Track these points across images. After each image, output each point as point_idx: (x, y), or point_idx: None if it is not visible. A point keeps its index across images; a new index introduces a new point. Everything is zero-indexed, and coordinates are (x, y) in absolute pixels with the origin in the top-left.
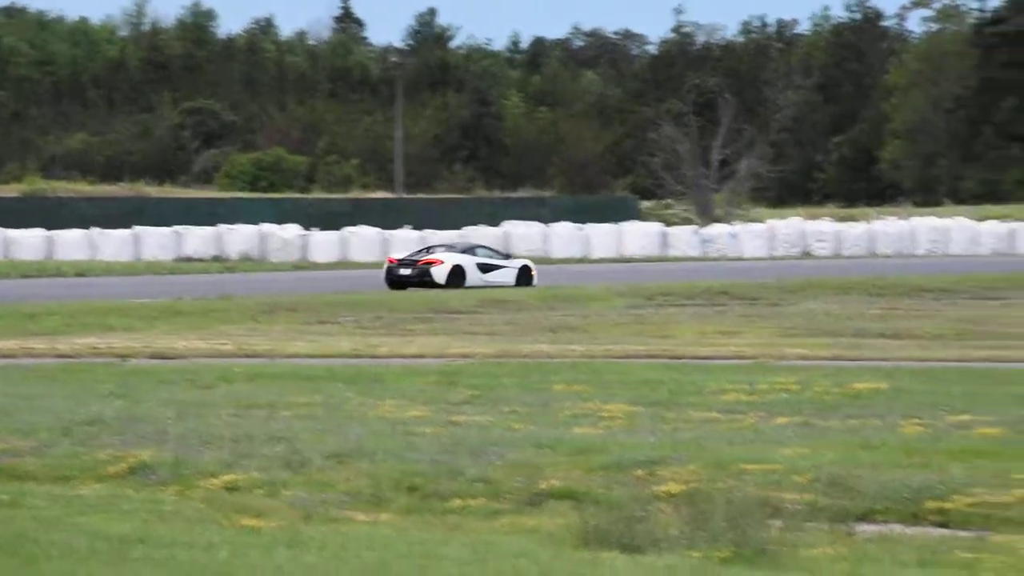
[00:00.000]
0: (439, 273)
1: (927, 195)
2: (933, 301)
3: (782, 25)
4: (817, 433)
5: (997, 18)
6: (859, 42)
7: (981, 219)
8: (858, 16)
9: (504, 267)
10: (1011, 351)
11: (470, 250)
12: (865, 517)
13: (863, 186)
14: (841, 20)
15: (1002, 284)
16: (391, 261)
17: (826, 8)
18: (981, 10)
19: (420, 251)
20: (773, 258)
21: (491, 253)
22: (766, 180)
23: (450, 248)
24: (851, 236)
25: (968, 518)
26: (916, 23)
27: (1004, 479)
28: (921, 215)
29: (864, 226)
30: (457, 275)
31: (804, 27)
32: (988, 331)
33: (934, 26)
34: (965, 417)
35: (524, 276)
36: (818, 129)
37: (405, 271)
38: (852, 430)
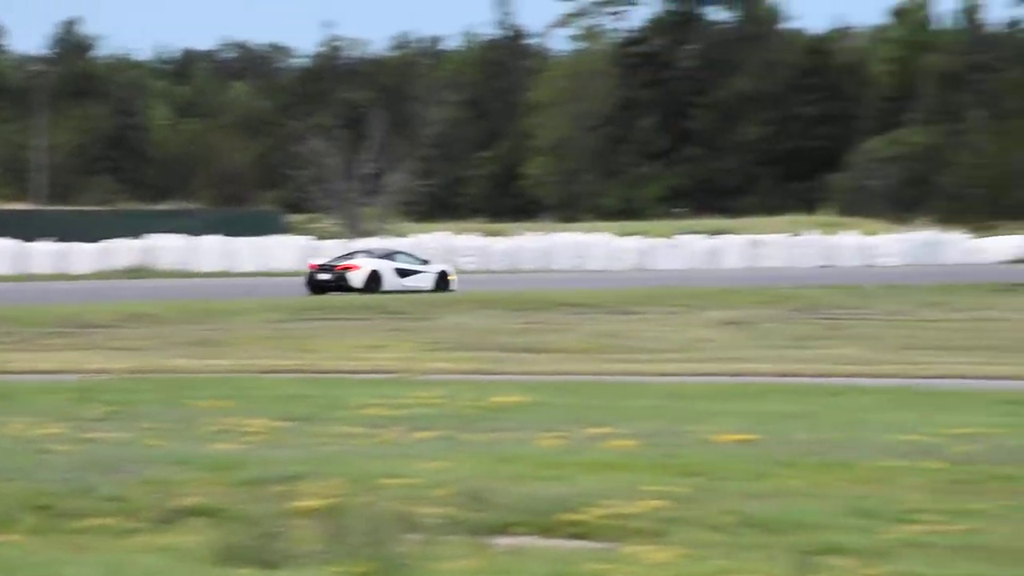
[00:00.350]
0: (356, 277)
1: (569, 211)
2: (574, 315)
3: (432, 41)
4: (458, 447)
5: (637, 39)
6: (505, 60)
7: (621, 235)
8: (505, 34)
9: (422, 272)
10: (647, 364)
11: (389, 255)
12: (502, 530)
13: (509, 201)
14: (489, 37)
15: (640, 299)
16: (311, 267)
17: (474, 26)
18: (622, 30)
19: (340, 256)
20: None
21: (410, 259)
22: (415, 195)
23: (369, 253)
24: (497, 251)
25: (600, 529)
26: (560, 42)
27: (635, 490)
28: (563, 231)
29: (509, 241)
30: (374, 280)
31: (453, 44)
32: (626, 345)
33: (577, 45)
34: (601, 430)
35: (442, 281)
36: (466, 145)
37: (324, 276)
38: (492, 443)
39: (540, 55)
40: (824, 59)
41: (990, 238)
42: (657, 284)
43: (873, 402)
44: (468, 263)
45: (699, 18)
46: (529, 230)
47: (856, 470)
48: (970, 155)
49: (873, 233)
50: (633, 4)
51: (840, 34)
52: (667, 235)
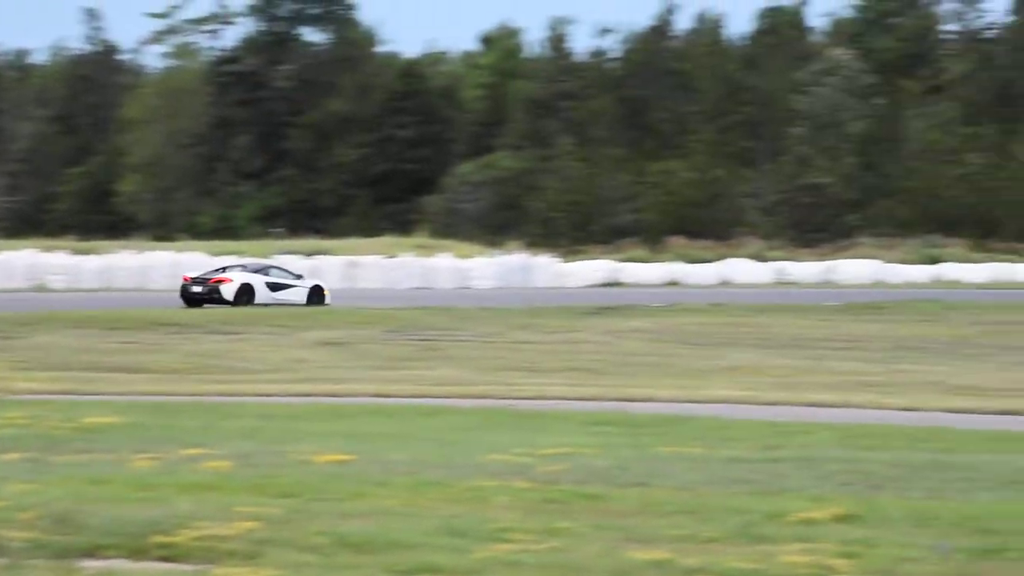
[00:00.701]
0: (227, 291)
1: (164, 229)
2: (170, 335)
3: (18, 54)
4: (46, 468)
5: (231, 58)
6: (96, 75)
7: (216, 255)
8: (95, 49)
9: (295, 286)
10: (245, 385)
11: (262, 270)
12: (91, 553)
13: (101, 219)
14: (79, 52)
15: (239, 319)
16: (185, 279)
17: (63, 40)
18: (215, 49)
19: (215, 270)
20: (6, 291)
21: (284, 273)
22: (1, 211)
23: (243, 268)
24: (89, 269)
25: (193, 551)
26: (154, 59)
27: (229, 512)
28: (158, 249)
29: (102, 259)
30: (246, 293)
31: (42, 57)
32: (224, 365)
33: (170, 62)
34: (196, 451)
35: (316, 295)
36: (56, 160)
37: (197, 289)
38: (83, 465)
39: (133, 71)
40: (418, 83)
41: (577, 262)
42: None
43: (467, 422)
44: (56, 281)
45: (294, 39)
46: (123, 248)
47: (450, 490)
48: (558, 181)
49: (468, 256)
50: (229, 23)
51: (434, 58)
52: (264, 255)
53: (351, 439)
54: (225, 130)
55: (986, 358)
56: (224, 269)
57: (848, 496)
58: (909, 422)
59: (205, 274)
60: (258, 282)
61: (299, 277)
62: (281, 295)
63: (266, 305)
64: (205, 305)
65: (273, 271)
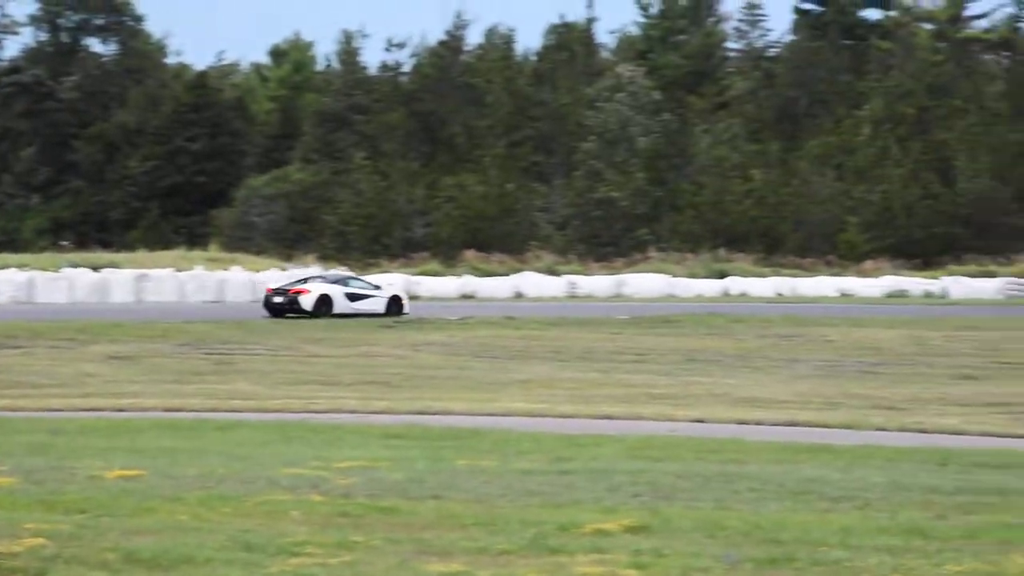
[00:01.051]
0: (306, 301)
1: None
2: None
3: None
4: None
5: (14, 68)
6: None
7: (1, 267)
8: None
9: (373, 296)
10: (30, 400)
11: (341, 281)
12: None
13: None
14: None
15: (21, 332)
16: (268, 290)
17: None
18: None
19: (296, 281)
20: None
21: (363, 284)
22: None
23: (323, 279)
24: None
25: None
26: None
27: (14, 528)
28: None
29: None
30: (324, 303)
31: None
32: (8, 380)
33: None
34: None
35: (394, 305)
36: None
37: (279, 299)
38: None
39: None
40: (209, 95)
41: (371, 276)
42: (41, 318)
43: (261, 437)
44: None
45: (79, 50)
46: None
47: (243, 504)
48: (351, 194)
49: (261, 269)
50: (12, 33)
51: (224, 71)
52: (51, 268)
53: (142, 454)
54: (9, 141)
55: (772, 371)
56: (305, 280)
57: (638, 507)
58: (698, 433)
59: (286, 285)
60: (336, 292)
61: (377, 288)
62: (360, 305)
63: (345, 315)
64: (287, 315)
65: (352, 282)
